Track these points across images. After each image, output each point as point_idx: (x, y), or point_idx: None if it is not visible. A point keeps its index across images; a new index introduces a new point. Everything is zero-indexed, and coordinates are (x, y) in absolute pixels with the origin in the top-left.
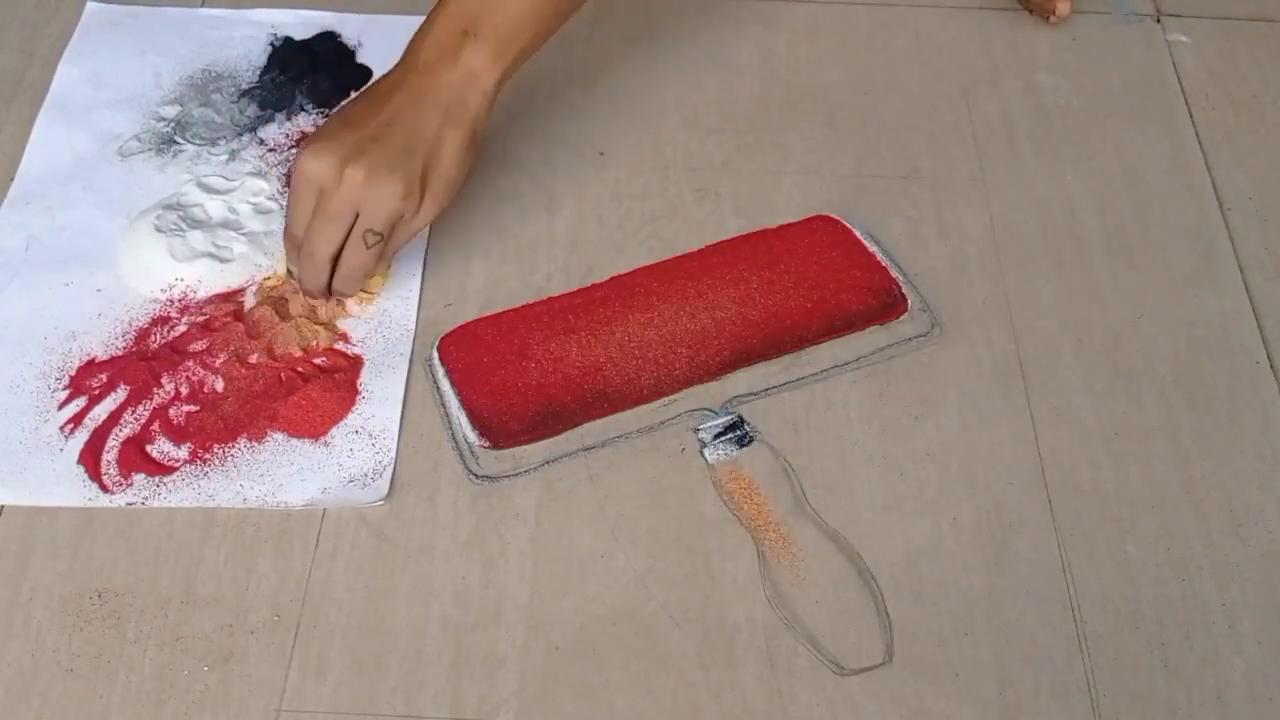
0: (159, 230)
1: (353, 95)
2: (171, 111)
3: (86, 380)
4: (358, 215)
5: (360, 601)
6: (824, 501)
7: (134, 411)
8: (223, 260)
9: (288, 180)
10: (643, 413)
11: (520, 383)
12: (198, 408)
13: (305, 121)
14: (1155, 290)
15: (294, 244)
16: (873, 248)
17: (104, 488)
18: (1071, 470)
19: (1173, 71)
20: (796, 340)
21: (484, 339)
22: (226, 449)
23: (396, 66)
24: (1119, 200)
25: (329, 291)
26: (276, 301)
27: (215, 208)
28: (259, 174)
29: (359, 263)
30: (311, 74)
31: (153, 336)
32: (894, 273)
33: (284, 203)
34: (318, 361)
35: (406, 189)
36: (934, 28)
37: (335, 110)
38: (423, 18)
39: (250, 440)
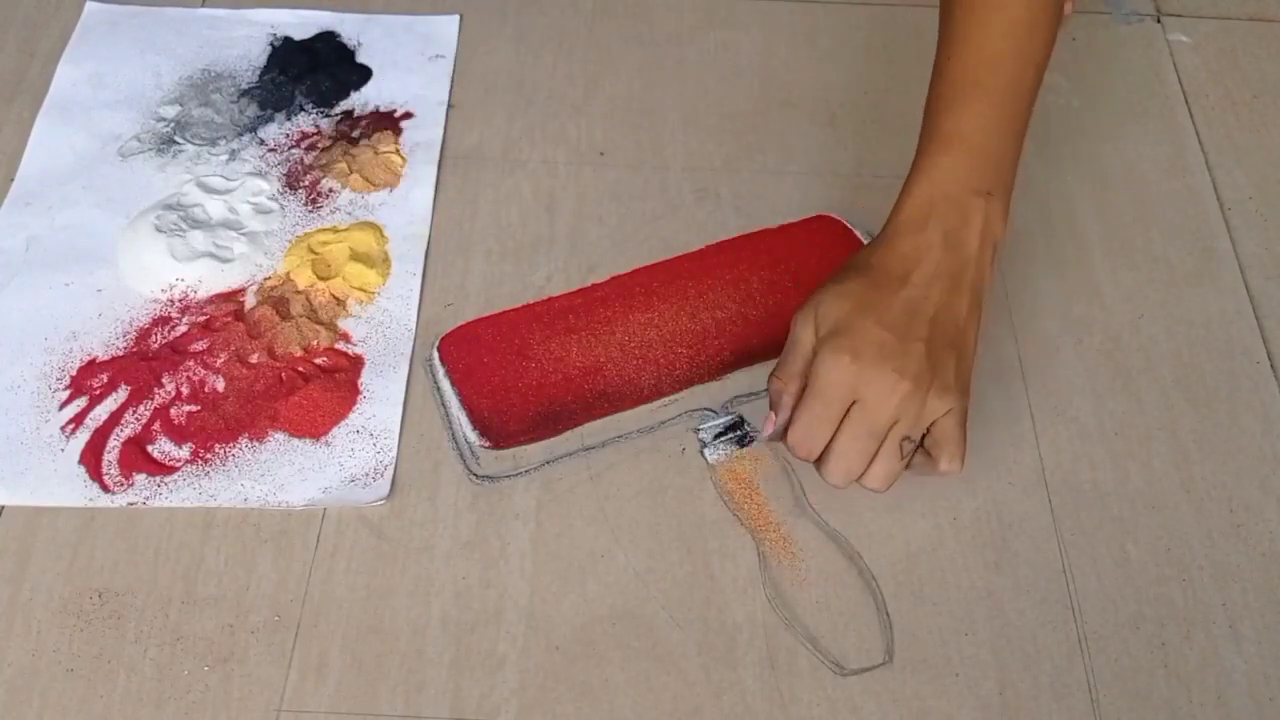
0: (159, 230)
1: (855, 265)
2: (171, 111)
3: (87, 380)
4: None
5: (360, 601)
6: (824, 501)
7: (135, 411)
8: (223, 260)
9: (288, 180)
10: (643, 413)
11: (520, 383)
12: (199, 408)
13: (305, 121)
14: (1155, 290)
15: (806, 449)
16: None
17: (105, 488)
18: (1071, 470)
19: (1173, 71)
20: None
21: (484, 339)
22: (227, 449)
23: (904, 230)
24: (1119, 200)
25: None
26: (277, 301)
27: (215, 208)
28: (259, 174)
29: (895, 472)
30: (311, 74)
31: (153, 336)
32: None
33: (284, 203)
34: (318, 361)
35: (954, 396)
36: (934, 28)
37: (844, 285)
38: (421, 17)
39: (251, 440)
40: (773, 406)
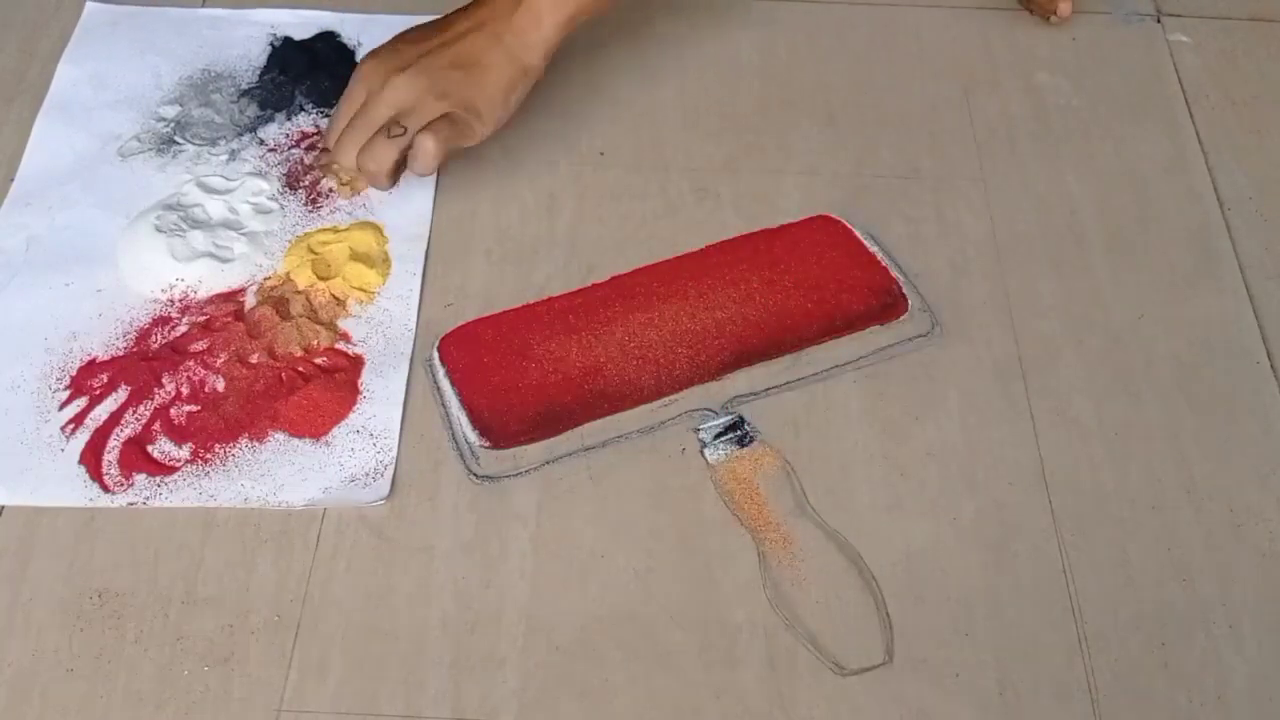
0: (159, 230)
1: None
2: (171, 111)
3: (87, 380)
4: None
5: (360, 601)
6: (824, 501)
7: (135, 411)
8: (223, 260)
9: (288, 180)
10: (643, 413)
11: (520, 383)
12: (199, 408)
13: (305, 121)
14: (1155, 290)
15: (331, 135)
16: (873, 248)
17: (105, 488)
18: (1071, 470)
19: (1173, 71)
20: (797, 340)
21: (484, 339)
22: (228, 449)
23: (468, 4)
24: (1119, 200)
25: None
26: (277, 301)
27: (215, 208)
28: (259, 174)
29: (383, 151)
30: (311, 74)
31: (153, 336)
32: (894, 273)
33: (284, 203)
34: (318, 361)
35: (440, 91)
36: (934, 28)
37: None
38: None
39: (251, 440)
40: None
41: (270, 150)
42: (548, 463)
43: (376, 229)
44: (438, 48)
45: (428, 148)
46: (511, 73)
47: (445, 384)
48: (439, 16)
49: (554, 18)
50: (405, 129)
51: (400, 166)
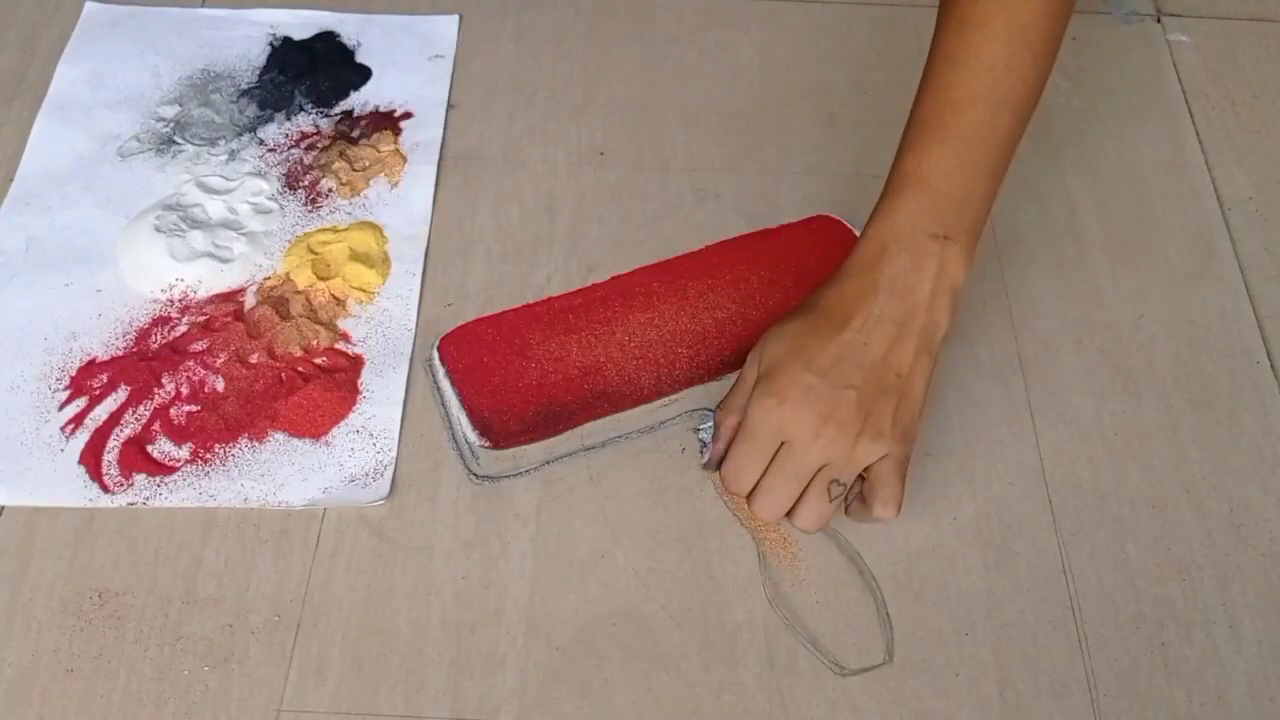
0: (159, 230)
1: (808, 304)
2: (171, 111)
3: (87, 380)
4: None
5: (360, 601)
6: None
7: (135, 412)
8: (223, 260)
9: (287, 180)
10: (643, 413)
11: (520, 383)
12: (198, 408)
13: (304, 121)
14: (1155, 290)
15: (736, 485)
16: None
17: (105, 488)
18: (1071, 470)
19: (1173, 71)
20: None
21: (484, 339)
22: (227, 449)
23: (855, 270)
24: (1119, 200)
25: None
26: (277, 301)
27: (215, 208)
28: (259, 174)
29: (824, 514)
30: (311, 74)
31: (153, 336)
32: None
33: (284, 203)
34: (318, 361)
35: (888, 442)
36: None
37: (787, 326)
38: (420, 17)
39: (251, 440)
40: (714, 437)
41: (270, 150)
42: (548, 463)
43: (376, 229)
44: (859, 373)
45: (889, 516)
46: (930, 368)
47: (445, 384)
48: (824, 296)
49: (966, 278)
50: (846, 485)
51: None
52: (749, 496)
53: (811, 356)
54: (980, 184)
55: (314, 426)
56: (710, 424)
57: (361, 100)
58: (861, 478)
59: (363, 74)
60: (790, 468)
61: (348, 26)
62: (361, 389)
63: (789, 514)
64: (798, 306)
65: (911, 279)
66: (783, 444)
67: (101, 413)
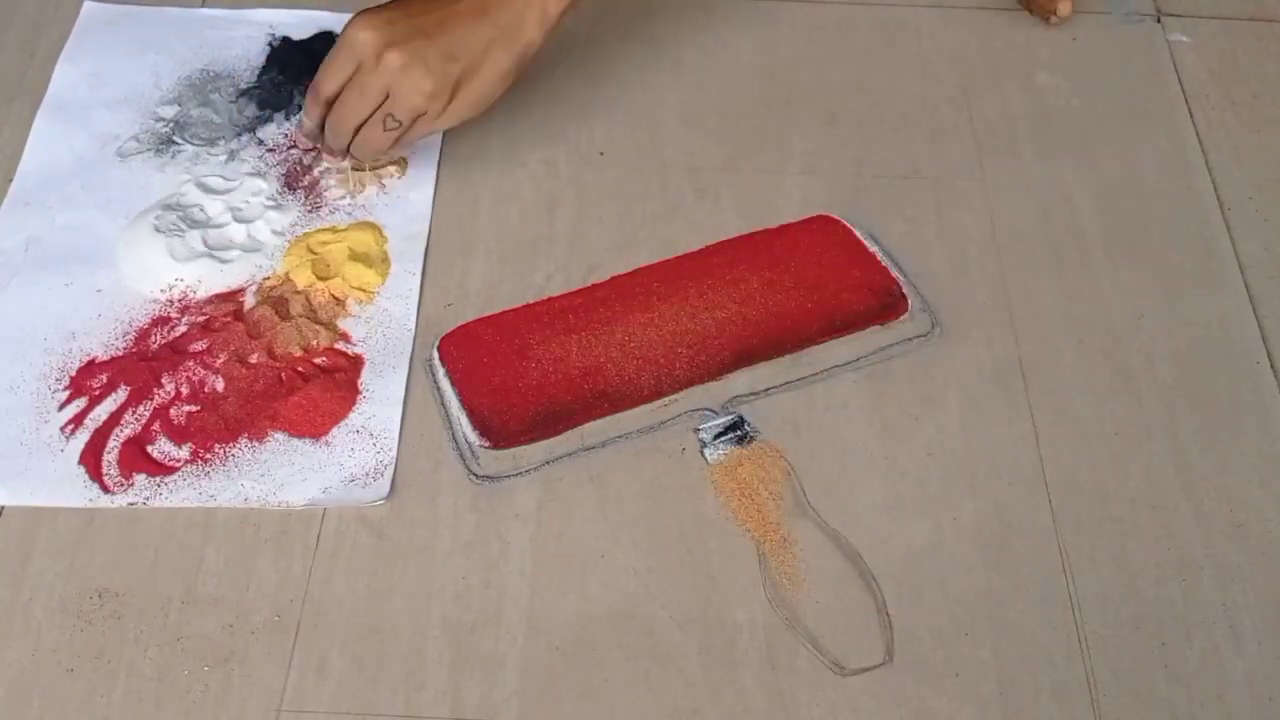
0: (158, 230)
1: None
2: (170, 111)
3: (87, 381)
4: (387, 96)
5: (360, 601)
6: (824, 501)
7: (134, 412)
8: (222, 260)
9: (287, 180)
10: (643, 413)
11: (520, 383)
12: (198, 408)
13: None
14: (1155, 290)
15: (315, 99)
16: (873, 248)
17: (105, 488)
18: (1071, 470)
19: (1173, 71)
20: (797, 340)
21: (484, 339)
22: (227, 449)
23: None
24: (1119, 200)
25: (347, 153)
26: (276, 301)
27: (214, 208)
28: (258, 174)
29: (376, 143)
30: (310, 74)
31: (153, 337)
32: (894, 273)
33: (283, 203)
34: (318, 361)
35: (435, 89)
36: (934, 28)
37: None
38: None
39: (251, 440)
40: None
41: (269, 150)
42: (548, 463)
43: (376, 229)
44: (435, 28)
45: (394, 153)
46: (507, 67)
47: (445, 384)
48: None
49: (558, 5)
50: (400, 123)
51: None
52: (326, 120)
53: (409, 5)
54: None
55: (314, 426)
56: (710, 423)
57: None
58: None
59: None
60: (356, 83)
61: None
62: (361, 389)
63: (351, 142)
64: None
65: None
66: (358, 67)
67: (101, 413)
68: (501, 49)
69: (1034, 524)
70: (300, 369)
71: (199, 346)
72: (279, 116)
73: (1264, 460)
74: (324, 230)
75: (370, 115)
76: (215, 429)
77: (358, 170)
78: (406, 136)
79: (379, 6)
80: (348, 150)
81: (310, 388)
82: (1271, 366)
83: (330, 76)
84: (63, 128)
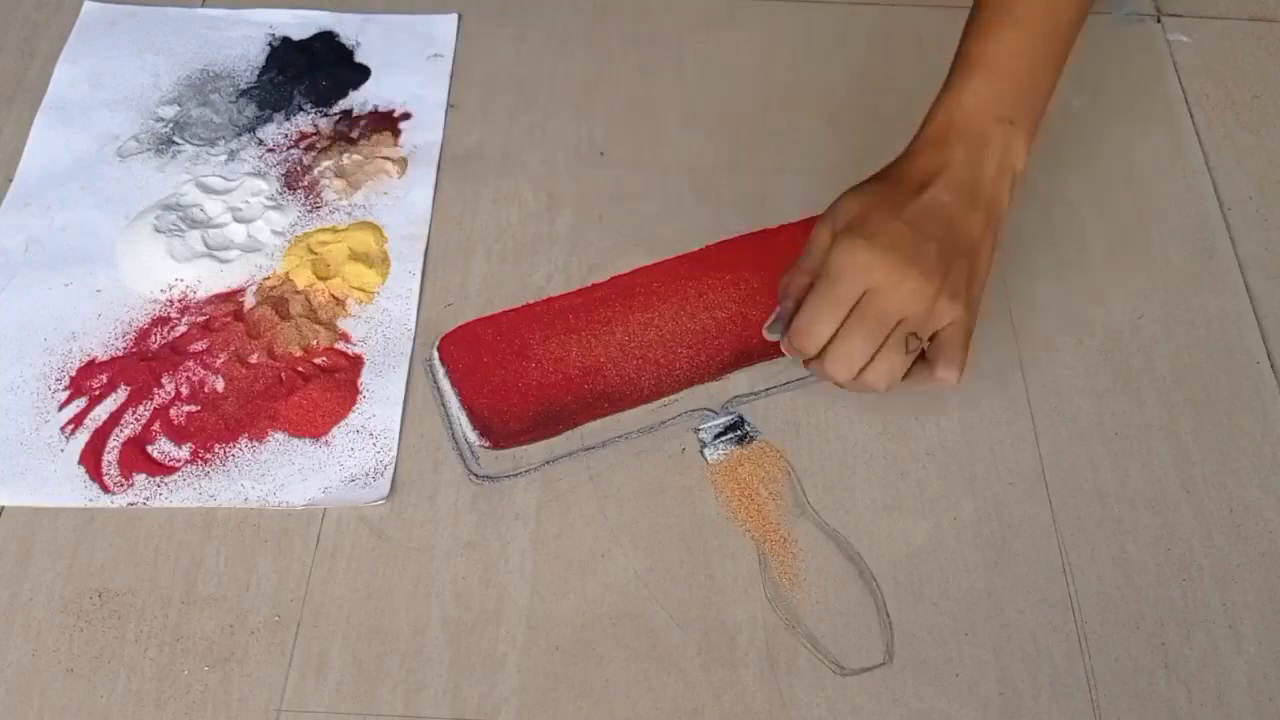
0: (158, 230)
1: (878, 176)
2: (170, 112)
3: (87, 381)
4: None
5: (360, 601)
6: (824, 501)
7: (134, 412)
8: (222, 260)
9: (287, 180)
10: (643, 413)
11: (520, 383)
12: (198, 408)
13: (304, 121)
14: (1155, 290)
15: (809, 335)
16: None
17: (105, 488)
18: (1071, 470)
19: (1173, 71)
20: None
21: (484, 339)
22: (227, 449)
23: (925, 147)
24: (1119, 200)
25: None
26: (276, 301)
27: (214, 208)
28: (258, 174)
29: (898, 368)
30: (310, 74)
31: (153, 337)
32: None
33: (283, 203)
34: (318, 361)
35: (962, 304)
36: (934, 28)
37: (864, 188)
38: (419, 16)
39: (251, 440)
40: (780, 300)
41: (269, 150)
42: (548, 463)
43: (376, 229)
44: (937, 229)
45: (951, 380)
46: (995, 242)
47: (445, 384)
48: (899, 166)
49: (1025, 162)
50: (921, 342)
51: None
52: (821, 353)
53: (897, 209)
54: (1045, 71)
55: (314, 426)
56: (710, 423)
57: (361, 100)
58: (922, 344)
59: (362, 74)
60: (872, 313)
61: (346, 26)
62: (361, 389)
63: (860, 372)
64: (864, 180)
65: (980, 155)
66: (865, 293)
67: (101, 413)
68: (991, 229)
69: (1034, 524)
70: (300, 369)
71: (199, 346)
72: (279, 116)
73: (1264, 460)
74: (324, 230)
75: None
76: (215, 429)
77: None
78: (950, 358)
79: (855, 213)
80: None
81: (310, 388)
82: (1271, 366)
83: (833, 306)
84: (63, 128)
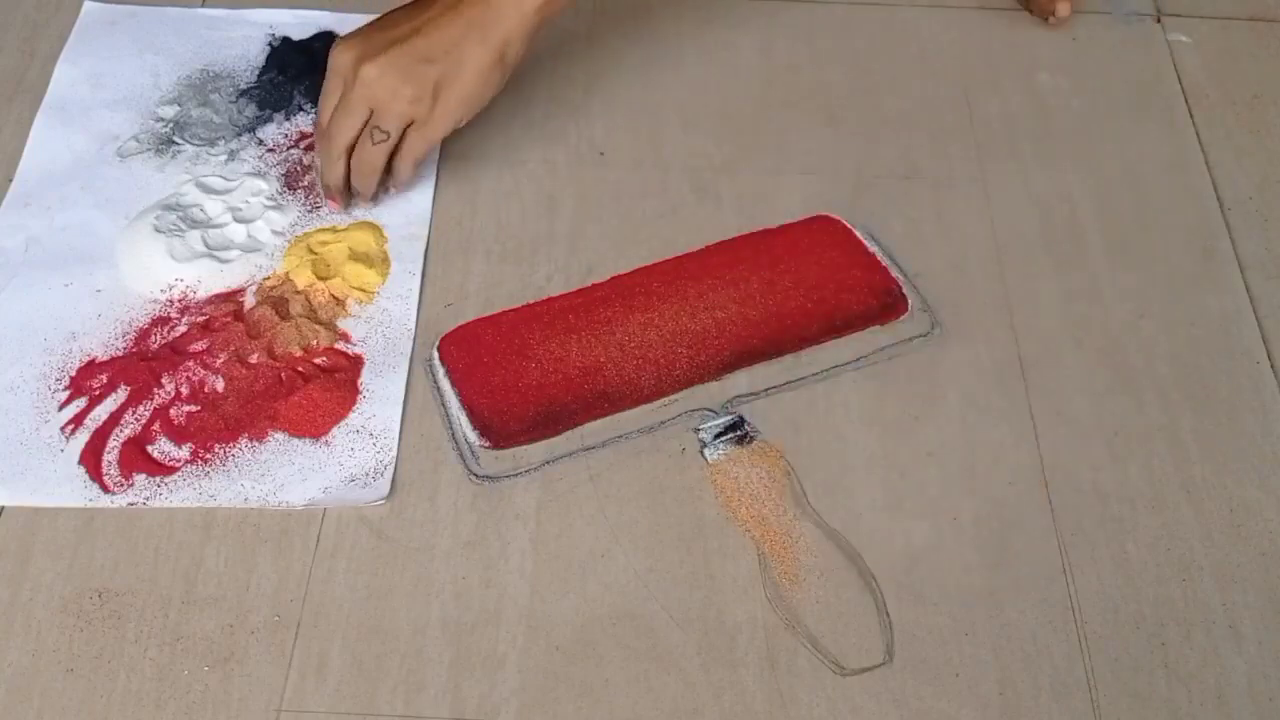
0: (158, 230)
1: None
2: (170, 112)
3: (87, 381)
4: (373, 112)
5: (360, 601)
6: (824, 501)
7: (135, 412)
8: (222, 260)
9: (287, 180)
10: (643, 413)
11: (520, 383)
12: (198, 408)
13: (304, 121)
14: (1155, 290)
15: (318, 135)
16: (873, 248)
17: (105, 488)
18: (1071, 470)
19: (1173, 71)
20: (797, 340)
21: (484, 339)
22: (227, 449)
23: None
24: (1119, 200)
25: (348, 189)
26: (276, 301)
27: (214, 208)
28: (258, 174)
29: (367, 157)
30: (310, 74)
31: (153, 337)
32: (894, 273)
33: (283, 203)
34: (318, 361)
35: (415, 93)
36: (934, 28)
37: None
38: None
39: (251, 440)
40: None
41: (269, 150)
42: (548, 463)
43: (376, 229)
44: (409, 35)
45: (403, 174)
46: (487, 63)
47: (445, 384)
48: None
49: (532, 1)
50: (387, 134)
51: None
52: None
53: (382, 19)
54: None
55: (314, 426)
56: (710, 423)
57: None
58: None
59: None
60: (343, 102)
61: (347, 27)
62: (361, 389)
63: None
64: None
65: None
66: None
67: (101, 413)
68: (477, 44)
69: (1034, 524)
70: (300, 369)
71: (199, 346)
72: (279, 116)
73: (1264, 460)
74: (324, 230)
75: (359, 134)
76: (215, 429)
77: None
78: (405, 155)
79: (358, 29)
80: (347, 184)
81: (310, 388)
82: (1271, 366)
83: (324, 107)
84: (63, 128)
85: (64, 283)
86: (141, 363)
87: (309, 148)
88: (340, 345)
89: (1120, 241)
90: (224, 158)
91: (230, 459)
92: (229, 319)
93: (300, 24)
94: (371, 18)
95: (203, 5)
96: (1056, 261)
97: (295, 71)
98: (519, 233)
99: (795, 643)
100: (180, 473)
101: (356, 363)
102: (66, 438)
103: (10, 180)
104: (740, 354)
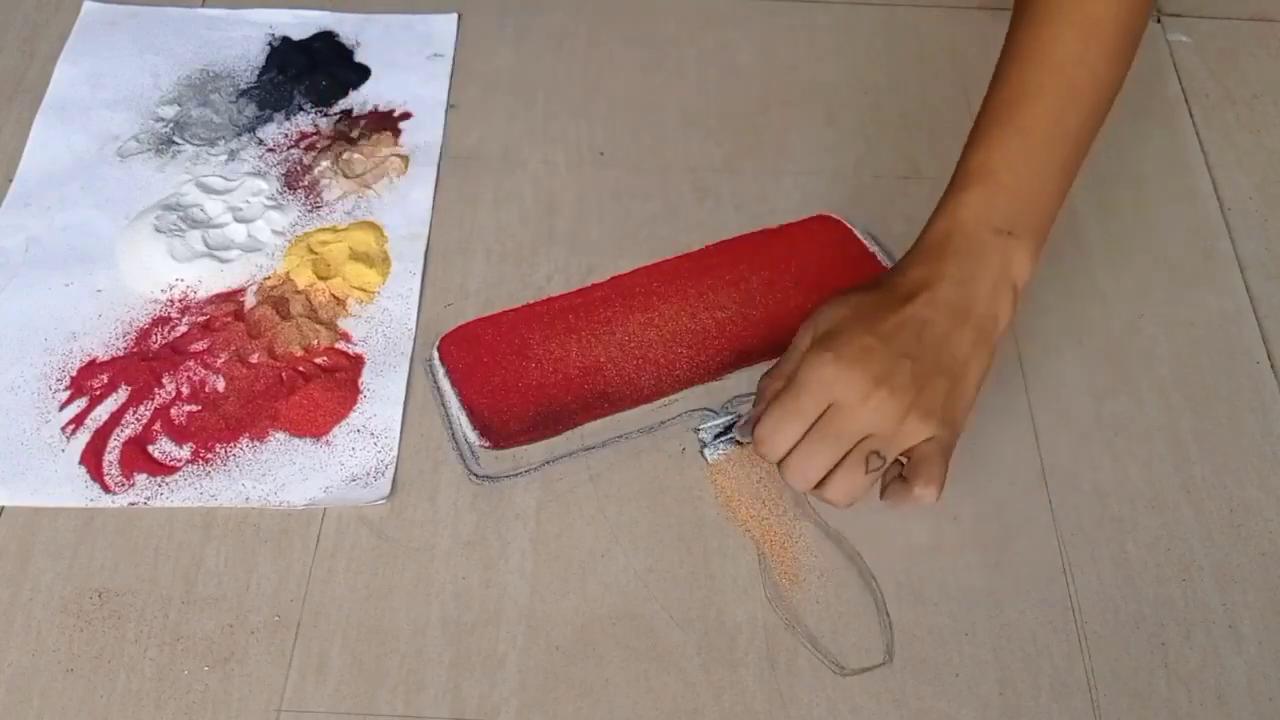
0: (158, 230)
1: (868, 284)
2: (170, 112)
3: (87, 381)
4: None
5: (360, 601)
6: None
7: (135, 412)
8: (222, 260)
9: (287, 180)
10: (643, 413)
11: (520, 383)
12: (199, 407)
13: (304, 121)
14: (1155, 290)
15: (770, 445)
16: (873, 248)
17: (106, 488)
18: (1071, 470)
19: (1173, 71)
20: None
21: (484, 339)
22: (228, 449)
23: (918, 259)
24: (1119, 200)
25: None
26: (277, 301)
27: (214, 208)
28: (258, 174)
29: (858, 487)
30: (310, 74)
31: (153, 337)
32: None
33: (283, 202)
34: (319, 361)
35: (937, 423)
36: (934, 28)
37: (848, 296)
38: (419, 16)
39: (252, 440)
40: (755, 401)
41: (269, 150)
42: (548, 463)
43: (376, 228)
44: (914, 345)
45: (929, 499)
46: (986, 364)
47: (445, 384)
48: (885, 280)
49: (1028, 278)
50: (884, 461)
51: None
52: (781, 461)
53: (873, 322)
54: (1048, 180)
55: (315, 426)
56: (710, 423)
57: (361, 100)
58: (900, 461)
59: (362, 73)
60: (834, 429)
61: (346, 26)
62: (362, 388)
63: (819, 485)
64: (856, 287)
65: (974, 271)
66: (830, 406)
67: (102, 413)
68: (981, 348)
69: (1034, 524)
70: (301, 369)
71: (200, 346)
72: (279, 116)
73: (1264, 460)
74: (324, 230)
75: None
76: (216, 429)
77: None
78: (930, 478)
79: (832, 325)
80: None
81: (311, 387)
82: (1271, 366)
83: (798, 416)
84: (63, 128)
85: (64, 283)
86: (142, 363)
87: (309, 147)
88: (341, 345)
89: (1120, 241)
90: (224, 158)
91: (231, 459)
92: (229, 319)
93: (300, 24)
94: (370, 16)
95: (203, 5)
96: (1056, 261)
97: (295, 71)
98: (519, 233)
99: (795, 643)
100: (181, 472)
101: (357, 362)
102: (67, 438)
103: (10, 180)
104: (740, 354)
